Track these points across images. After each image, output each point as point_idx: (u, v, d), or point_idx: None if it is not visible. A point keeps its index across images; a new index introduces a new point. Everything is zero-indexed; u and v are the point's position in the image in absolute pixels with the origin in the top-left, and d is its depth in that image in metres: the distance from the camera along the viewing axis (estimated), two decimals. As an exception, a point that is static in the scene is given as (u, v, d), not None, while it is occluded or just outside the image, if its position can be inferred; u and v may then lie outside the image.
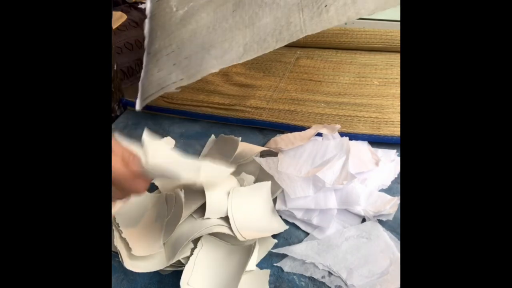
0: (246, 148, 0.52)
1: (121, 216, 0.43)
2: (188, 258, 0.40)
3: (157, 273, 0.41)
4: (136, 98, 0.51)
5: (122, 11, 0.84)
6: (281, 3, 0.42)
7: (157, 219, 0.43)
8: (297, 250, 0.42)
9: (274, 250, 0.43)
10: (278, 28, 0.41)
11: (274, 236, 0.44)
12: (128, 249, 0.40)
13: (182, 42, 0.46)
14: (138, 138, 0.62)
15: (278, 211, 0.46)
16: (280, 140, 0.54)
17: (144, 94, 0.48)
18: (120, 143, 0.35)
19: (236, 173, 0.50)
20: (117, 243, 0.41)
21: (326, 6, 0.40)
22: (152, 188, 0.47)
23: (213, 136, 0.55)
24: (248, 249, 0.41)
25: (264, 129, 0.60)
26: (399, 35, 0.51)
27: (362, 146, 0.54)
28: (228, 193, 0.44)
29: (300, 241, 0.44)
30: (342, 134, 0.53)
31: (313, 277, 0.40)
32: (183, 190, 0.42)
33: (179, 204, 0.42)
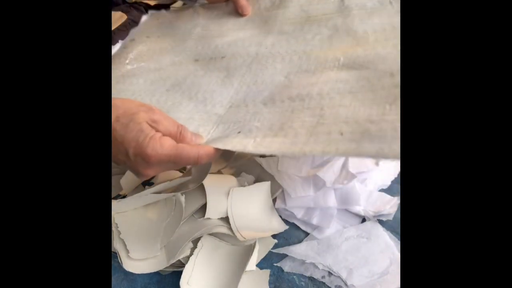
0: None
1: (121, 217, 0.43)
2: (188, 258, 0.40)
3: (157, 273, 0.41)
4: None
5: (122, 11, 0.84)
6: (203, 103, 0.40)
7: (156, 222, 0.43)
8: (297, 250, 0.42)
9: (274, 250, 0.43)
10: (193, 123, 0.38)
11: (274, 236, 0.44)
12: (127, 250, 0.40)
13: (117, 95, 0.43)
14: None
15: (277, 210, 0.46)
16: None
17: None
18: (161, 122, 0.34)
19: (236, 173, 0.50)
20: (116, 243, 0.41)
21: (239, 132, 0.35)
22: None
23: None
24: (248, 249, 0.41)
25: (264, 129, 0.60)
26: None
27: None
28: (228, 193, 0.45)
29: (300, 241, 0.43)
30: (342, 134, 0.53)
31: (313, 277, 0.40)
32: (183, 195, 0.42)
33: (179, 208, 0.42)
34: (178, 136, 0.34)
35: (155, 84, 0.44)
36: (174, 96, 0.42)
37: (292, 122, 0.35)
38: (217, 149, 0.35)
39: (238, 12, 0.52)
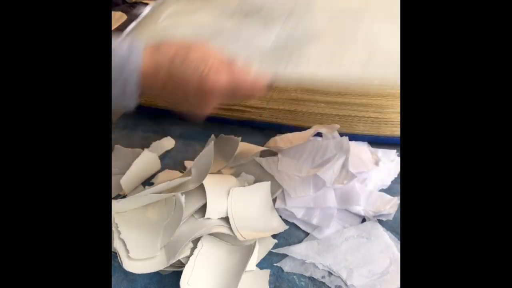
0: (246, 148, 0.52)
1: (121, 217, 0.43)
2: (188, 258, 0.40)
3: (157, 273, 0.41)
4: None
5: (122, 11, 0.84)
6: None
7: (156, 222, 0.43)
8: (297, 250, 0.42)
9: (274, 250, 0.42)
10: None
11: (274, 236, 0.44)
12: (127, 250, 0.40)
13: None
14: (138, 138, 0.62)
15: (277, 210, 0.46)
16: (280, 140, 0.54)
17: None
18: (213, 55, 0.35)
19: (236, 173, 0.50)
20: (116, 243, 0.41)
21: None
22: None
23: (213, 136, 0.55)
24: (248, 249, 0.41)
25: (264, 129, 0.60)
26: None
27: (362, 146, 0.54)
28: (228, 193, 0.44)
29: (300, 241, 0.43)
30: (342, 134, 0.53)
31: (313, 277, 0.40)
32: (183, 195, 0.42)
33: (179, 208, 0.42)
34: (231, 66, 0.35)
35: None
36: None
37: (343, 54, 0.36)
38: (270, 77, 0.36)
39: None
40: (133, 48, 0.34)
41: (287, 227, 0.45)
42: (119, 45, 0.33)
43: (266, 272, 0.40)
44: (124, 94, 0.34)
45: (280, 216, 0.46)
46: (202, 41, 0.35)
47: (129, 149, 0.57)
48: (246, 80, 0.35)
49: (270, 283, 0.40)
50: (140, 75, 0.33)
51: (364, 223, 0.44)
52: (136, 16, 0.59)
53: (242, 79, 0.35)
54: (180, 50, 0.34)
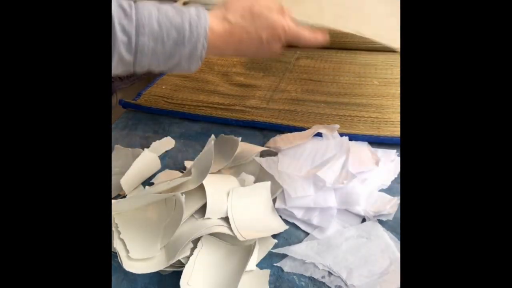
0: (246, 148, 0.52)
1: (121, 216, 0.43)
2: (188, 258, 0.40)
3: (157, 273, 0.41)
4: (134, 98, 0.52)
5: (122, 11, 0.84)
6: None
7: (156, 222, 0.43)
8: (297, 250, 0.42)
9: (274, 250, 0.42)
10: None
11: (274, 236, 0.44)
12: (127, 250, 0.40)
13: None
14: (138, 138, 0.62)
15: (277, 210, 0.46)
16: (280, 140, 0.54)
17: None
18: (277, 8, 0.43)
19: (236, 173, 0.50)
20: (116, 243, 0.41)
21: None
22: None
23: (213, 136, 0.55)
24: (248, 249, 0.41)
25: (264, 129, 0.60)
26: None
27: (362, 146, 0.54)
28: (228, 193, 0.44)
29: (300, 241, 0.43)
30: (342, 134, 0.53)
31: (313, 277, 0.40)
32: (183, 195, 0.42)
33: (179, 208, 0.42)
34: (296, 35, 0.43)
35: None
36: None
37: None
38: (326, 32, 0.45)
39: None
40: (199, 12, 0.39)
41: (287, 227, 0.45)
42: (187, 10, 0.38)
43: (266, 272, 0.40)
44: (191, 56, 0.39)
45: (280, 216, 0.46)
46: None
47: (129, 149, 0.57)
48: (307, 34, 0.43)
49: (270, 283, 0.40)
50: (210, 36, 0.39)
51: (364, 223, 0.44)
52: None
53: (305, 34, 0.43)
54: (245, 9, 0.41)
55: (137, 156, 0.53)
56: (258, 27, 0.41)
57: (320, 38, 0.44)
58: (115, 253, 0.40)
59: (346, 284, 0.39)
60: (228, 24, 0.40)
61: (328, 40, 0.45)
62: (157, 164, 0.55)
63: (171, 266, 0.40)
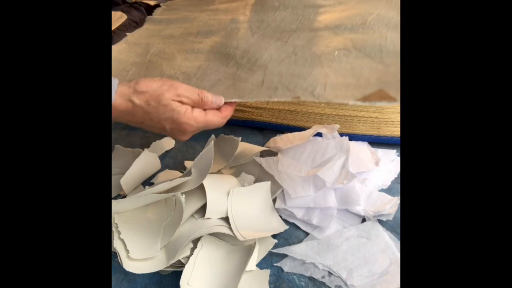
0: (246, 148, 0.52)
1: (121, 217, 0.43)
2: (188, 258, 0.40)
3: (157, 273, 0.41)
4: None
5: (122, 11, 0.84)
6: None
7: (156, 222, 0.43)
8: (297, 250, 0.42)
9: (274, 250, 0.42)
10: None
11: (274, 236, 0.44)
12: (127, 250, 0.40)
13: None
14: (138, 138, 0.62)
15: (277, 210, 0.46)
16: (280, 140, 0.54)
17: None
18: (184, 95, 0.39)
19: (236, 173, 0.50)
20: (116, 243, 0.41)
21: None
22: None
23: (213, 136, 0.55)
24: (248, 249, 0.41)
25: (264, 129, 0.60)
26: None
27: (362, 146, 0.54)
28: (228, 193, 0.44)
29: (300, 241, 0.43)
30: (342, 134, 0.53)
31: (313, 277, 0.40)
32: (183, 195, 0.42)
33: (179, 208, 0.42)
34: (201, 102, 0.40)
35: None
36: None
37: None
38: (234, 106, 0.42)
39: None
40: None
41: (287, 227, 0.45)
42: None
43: (266, 272, 0.40)
44: None
45: (280, 216, 0.46)
46: (171, 83, 0.40)
47: (129, 149, 0.57)
48: (217, 121, 0.41)
49: (270, 283, 0.40)
50: (113, 111, 0.38)
51: (364, 223, 0.44)
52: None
53: (214, 121, 0.41)
54: (152, 96, 0.39)
55: (137, 156, 0.53)
56: (161, 118, 0.39)
57: (226, 119, 0.42)
58: (115, 253, 0.40)
59: (346, 284, 0.39)
60: (131, 105, 0.39)
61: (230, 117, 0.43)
62: (157, 164, 0.55)
63: (171, 266, 0.40)
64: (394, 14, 0.43)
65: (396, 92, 0.34)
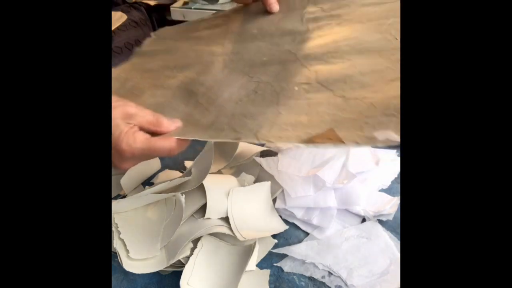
0: (246, 148, 0.52)
1: (121, 216, 0.43)
2: (188, 258, 0.40)
3: (157, 273, 0.41)
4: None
5: (122, 11, 0.84)
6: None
7: (156, 222, 0.43)
8: (297, 250, 0.42)
9: (274, 250, 0.43)
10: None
11: (274, 236, 0.44)
12: (127, 250, 0.40)
13: None
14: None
15: (277, 210, 0.46)
16: (280, 140, 0.54)
17: None
18: (137, 114, 0.35)
19: (236, 173, 0.50)
20: (116, 243, 0.41)
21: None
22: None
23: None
24: (248, 249, 0.41)
25: (264, 129, 0.60)
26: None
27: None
28: (228, 193, 0.44)
29: (300, 241, 0.43)
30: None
31: (313, 277, 0.40)
32: (183, 195, 0.42)
33: (179, 208, 0.42)
34: (156, 124, 0.35)
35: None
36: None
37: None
38: (188, 140, 0.36)
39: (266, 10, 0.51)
40: None
41: (287, 227, 0.45)
42: None
43: (266, 272, 0.40)
44: None
45: (280, 216, 0.46)
46: (125, 102, 0.35)
47: (129, 149, 0.57)
48: (162, 145, 0.34)
49: (270, 283, 0.40)
50: None
51: (364, 223, 0.44)
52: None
53: (158, 144, 0.34)
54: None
55: (137, 156, 0.53)
56: None
57: (177, 149, 0.36)
58: (115, 253, 0.40)
59: (346, 284, 0.39)
60: None
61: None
62: (157, 164, 0.55)
63: (171, 266, 0.40)
64: (376, 37, 0.40)
65: (347, 131, 0.30)
